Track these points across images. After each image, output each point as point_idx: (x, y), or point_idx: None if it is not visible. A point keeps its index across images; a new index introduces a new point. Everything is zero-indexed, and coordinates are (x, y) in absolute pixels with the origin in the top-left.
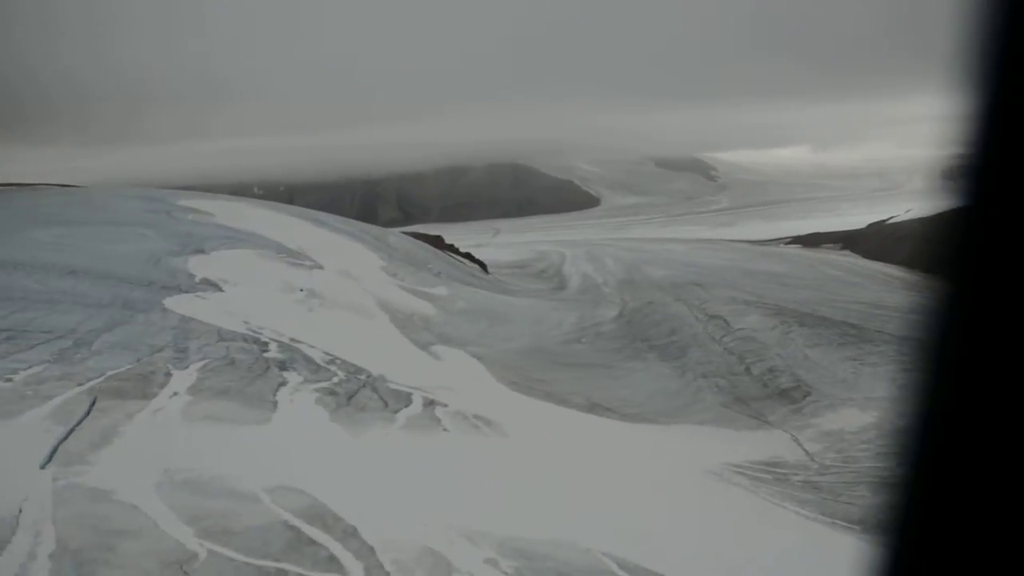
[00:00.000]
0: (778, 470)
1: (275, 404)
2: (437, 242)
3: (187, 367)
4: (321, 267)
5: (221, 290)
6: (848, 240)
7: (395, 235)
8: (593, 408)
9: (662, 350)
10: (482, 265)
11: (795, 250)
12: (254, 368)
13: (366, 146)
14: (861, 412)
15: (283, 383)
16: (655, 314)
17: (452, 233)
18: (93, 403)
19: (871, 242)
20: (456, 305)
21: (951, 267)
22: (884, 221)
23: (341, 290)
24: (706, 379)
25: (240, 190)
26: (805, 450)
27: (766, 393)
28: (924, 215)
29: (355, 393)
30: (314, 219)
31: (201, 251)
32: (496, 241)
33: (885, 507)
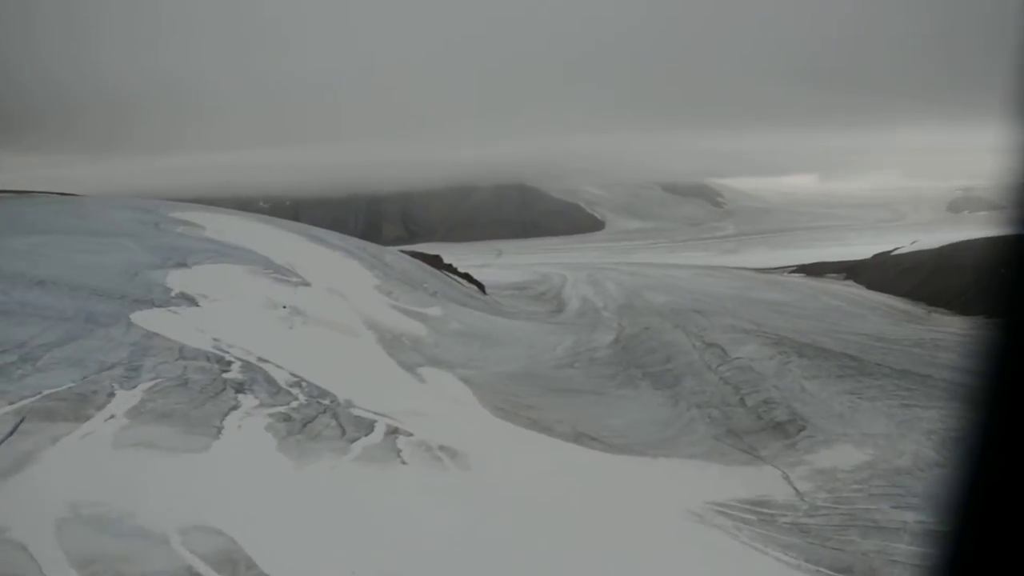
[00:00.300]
0: (765, 510)
1: (219, 430)
2: (435, 262)
3: (134, 387)
4: (308, 284)
5: (197, 305)
6: (852, 270)
7: (392, 253)
8: (578, 438)
9: (656, 378)
10: (480, 286)
11: (798, 279)
12: (207, 389)
13: (372, 163)
14: (856, 449)
15: (235, 407)
16: (651, 340)
17: (455, 253)
18: (17, 424)
19: (875, 273)
20: (449, 326)
21: (1003, 300)
22: (889, 252)
23: (327, 308)
24: (699, 409)
25: (245, 204)
26: (795, 489)
27: (760, 426)
28: (930, 247)
29: (312, 419)
30: (310, 235)
31: (183, 265)
32: (499, 262)
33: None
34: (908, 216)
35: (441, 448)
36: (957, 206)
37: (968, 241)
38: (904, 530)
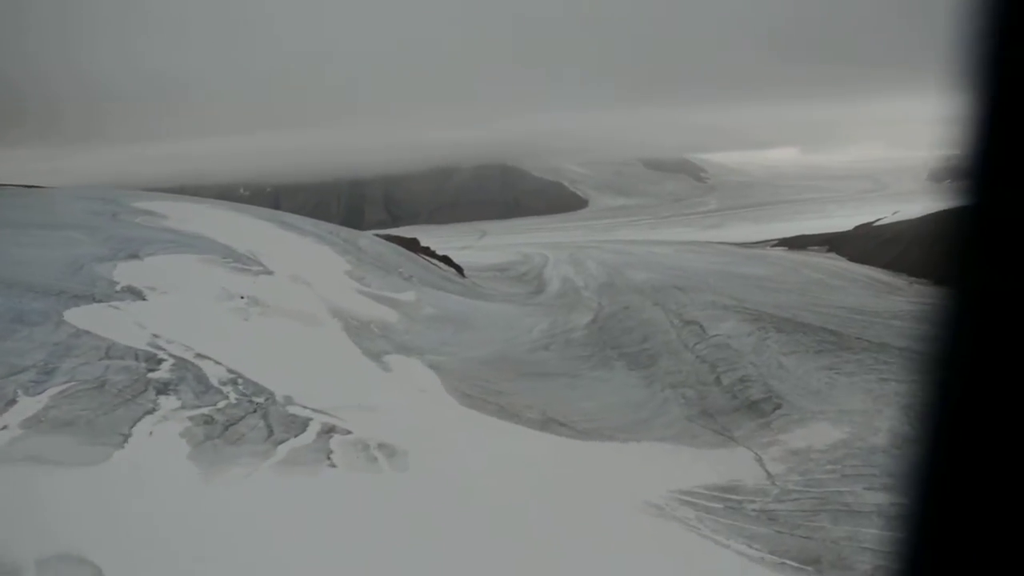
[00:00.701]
0: (733, 496)
1: (126, 438)
2: (412, 245)
3: (42, 392)
4: (271, 272)
5: (144, 299)
6: (834, 242)
7: (367, 238)
8: (546, 424)
9: (632, 358)
10: (458, 269)
11: (780, 253)
12: (125, 392)
13: (352, 147)
14: (832, 427)
15: (152, 410)
16: (629, 320)
17: (438, 235)
18: None
19: (857, 245)
20: (422, 311)
21: (954, 270)
22: (871, 223)
23: (289, 297)
24: (674, 390)
25: (226, 192)
26: (767, 471)
27: (735, 405)
28: (912, 217)
29: (237, 421)
30: (280, 222)
31: (135, 256)
32: (481, 243)
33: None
34: (890, 187)
35: (380, 447)
36: (939, 175)
37: (949, 210)
38: (876, 513)
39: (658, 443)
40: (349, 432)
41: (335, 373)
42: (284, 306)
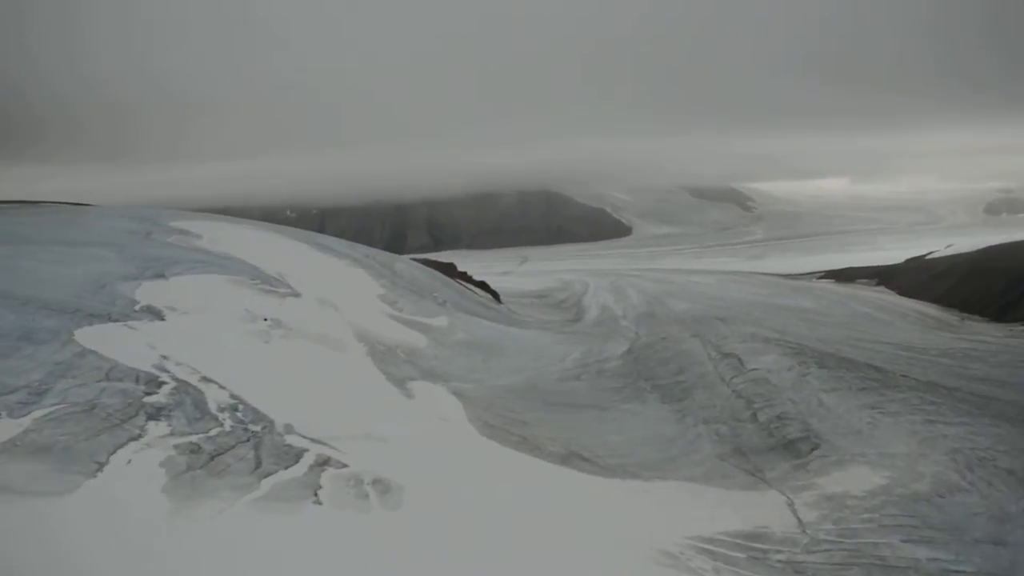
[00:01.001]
0: (757, 545)
1: (101, 466)
2: (449, 269)
3: (25, 415)
4: (298, 295)
5: (162, 319)
6: (883, 275)
7: (403, 262)
8: (568, 458)
9: (666, 391)
10: (494, 294)
11: (827, 285)
12: (114, 416)
13: (398, 171)
14: (872, 471)
15: (137, 436)
16: (666, 351)
17: (480, 260)
18: None
19: (907, 278)
20: (454, 337)
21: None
22: (922, 256)
23: (314, 320)
24: (707, 425)
25: (271, 213)
26: (798, 518)
27: (770, 444)
28: (965, 250)
29: (226, 451)
30: (316, 243)
31: (161, 276)
32: (522, 269)
33: None
34: (944, 219)
35: (374, 482)
36: (995, 208)
37: (1005, 244)
38: (914, 569)
39: (685, 483)
40: (345, 465)
41: (352, 400)
42: (308, 329)
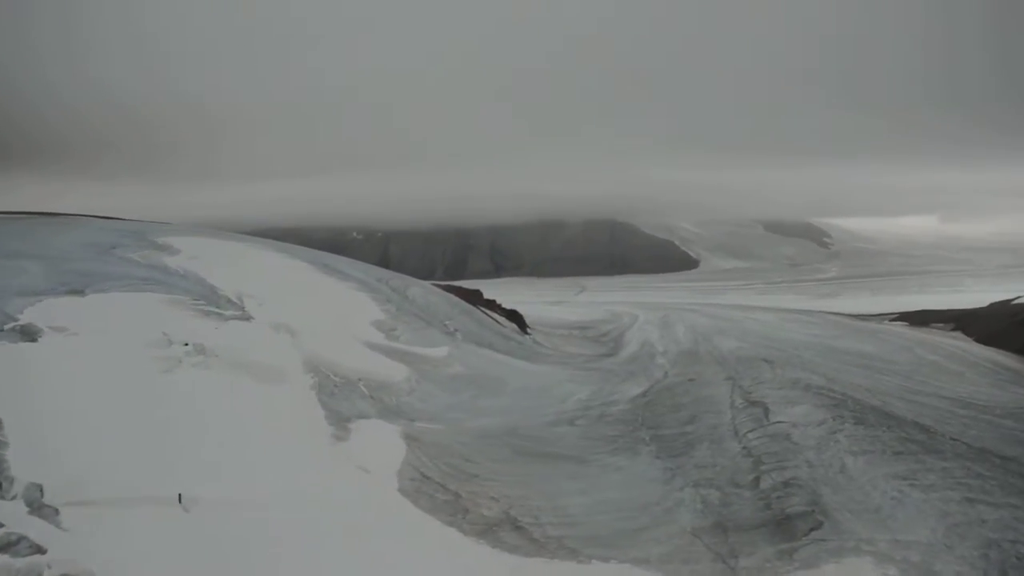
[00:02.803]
0: None
1: None
2: (474, 297)
3: None
4: (249, 319)
5: (33, 340)
6: (962, 320)
7: (421, 287)
8: (495, 527)
9: (666, 443)
10: (521, 324)
11: (897, 328)
12: None
13: (464, 195)
14: (873, 566)
15: None
16: (687, 395)
17: (537, 288)
18: None
19: (988, 324)
20: (447, 369)
21: None
22: (1008, 301)
23: (254, 347)
24: (696, 489)
25: (337, 235)
26: None
27: (762, 519)
28: None
29: None
30: (323, 265)
31: (78, 292)
32: (578, 299)
33: None
34: None
35: None
36: None
37: None
38: None
39: (632, 567)
40: (42, 551)
41: (238, 442)
42: (239, 357)
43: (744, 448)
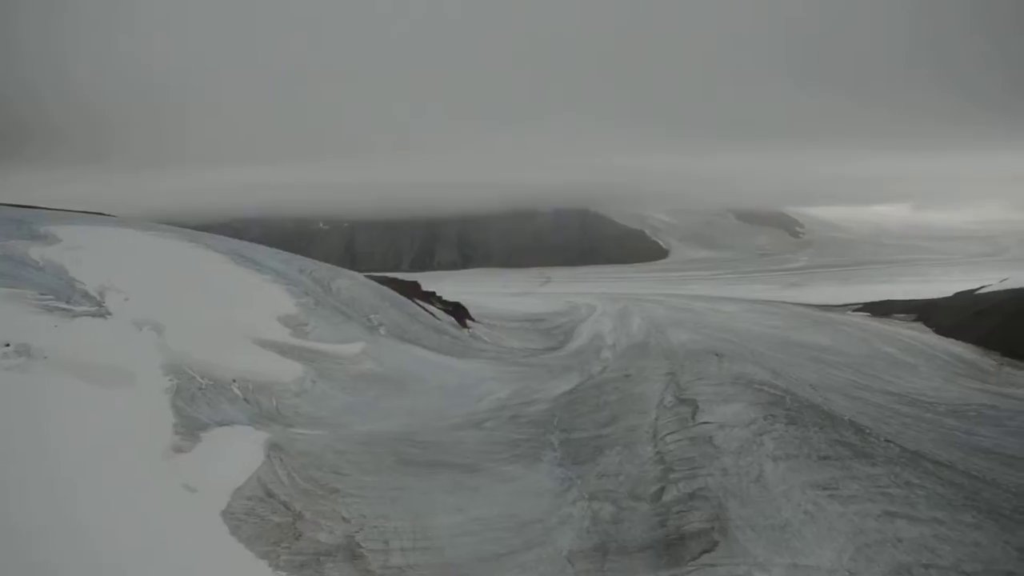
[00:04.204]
0: None
1: None
2: (411, 288)
3: None
4: (107, 315)
5: None
6: (924, 310)
7: (349, 279)
8: (327, 555)
9: (575, 448)
10: (459, 318)
11: (857, 319)
12: None
13: (432, 184)
14: None
15: None
16: (615, 393)
17: (504, 279)
18: None
19: (950, 315)
20: (357, 367)
21: None
22: (973, 291)
23: (102, 346)
24: (590, 503)
25: (303, 225)
26: None
27: (652, 539)
28: (1021, 285)
29: None
30: (239, 255)
31: None
32: (541, 290)
33: None
34: (1010, 251)
35: None
36: None
37: None
38: None
39: None
40: None
41: (45, 457)
42: (77, 358)
43: (658, 453)
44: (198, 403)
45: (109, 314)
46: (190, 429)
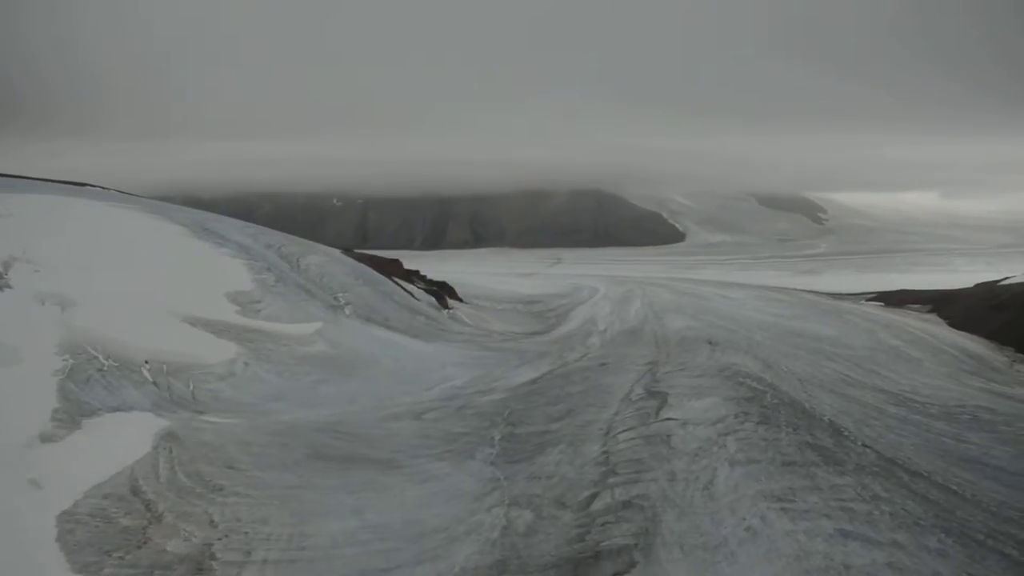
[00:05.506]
0: None
1: None
2: (392, 267)
3: None
4: (5, 287)
5: None
6: (940, 301)
7: (322, 255)
8: (166, 569)
9: (515, 444)
10: (440, 299)
11: (868, 309)
12: None
13: (447, 162)
14: None
15: None
16: (581, 383)
17: (514, 259)
18: None
19: (966, 307)
20: (305, 349)
21: None
22: (994, 282)
23: None
24: (509, 510)
25: (316, 200)
26: None
27: (561, 557)
28: None
29: None
30: (202, 228)
31: None
32: (550, 271)
33: None
34: None
35: None
36: None
37: None
38: None
39: None
40: None
41: None
42: None
43: (604, 453)
44: (93, 386)
45: (8, 287)
46: (72, 415)
